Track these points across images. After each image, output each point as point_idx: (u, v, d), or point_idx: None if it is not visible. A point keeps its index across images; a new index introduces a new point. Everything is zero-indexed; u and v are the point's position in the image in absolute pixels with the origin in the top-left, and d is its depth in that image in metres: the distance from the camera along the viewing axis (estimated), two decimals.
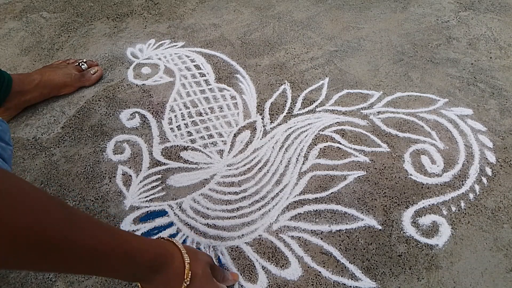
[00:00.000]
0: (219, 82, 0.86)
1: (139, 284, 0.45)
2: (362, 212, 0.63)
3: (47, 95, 0.83)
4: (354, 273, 0.56)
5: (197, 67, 0.90)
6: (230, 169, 0.70)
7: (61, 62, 0.88)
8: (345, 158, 0.70)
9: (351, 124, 0.76)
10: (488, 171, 0.67)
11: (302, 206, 0.64)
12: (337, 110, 0.79)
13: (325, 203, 0.64)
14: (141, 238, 0.42)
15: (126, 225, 0.63)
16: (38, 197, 0.31)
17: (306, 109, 0.79)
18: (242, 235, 0.61)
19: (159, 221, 0.63)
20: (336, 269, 0.57)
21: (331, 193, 0.65)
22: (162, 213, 0.64)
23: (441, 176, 0.67)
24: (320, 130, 0.75)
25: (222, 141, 0.75)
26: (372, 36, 0.97)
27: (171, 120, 0.79)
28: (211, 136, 0.76)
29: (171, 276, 0.43)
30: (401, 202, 0.64)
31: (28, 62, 0.94)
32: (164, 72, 0.89)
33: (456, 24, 0.99)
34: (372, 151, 0.71)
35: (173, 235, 0.62)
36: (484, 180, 0.66)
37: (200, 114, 0.80)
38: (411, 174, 0.68)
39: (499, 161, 0.69)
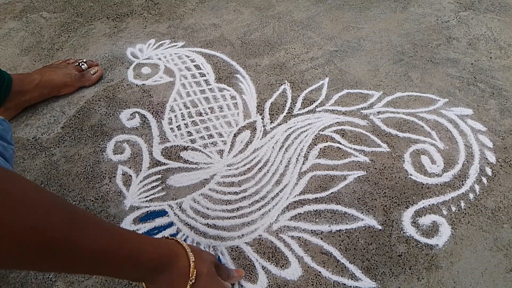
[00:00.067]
0: (219, 82, 0.86)
1: (143, 284, 0.45)
2: (362, 212, 0.63)
3: (47, 95, 0.83)
4: (354, 273, 0.56)
5: (197, 67, 0.90)
6: (230, 169, 0.70)
7: (61, 62, 0.88)
8: (345, 158, 0.70)
9: (351, 124, 0.76)
10: (488, 171, 0.67)
11: (302, 206, 0.64)
12: (337, 110, 0.79)
13: (325, 203, 0.64)
14: (145, 238, 0.42)
15: (126, 225, 0.63)
16: (40, 197, 0.31)
17: (306, 109, 0.79)
18: (242, 235, 0.61)
19: (159, 221, 0.63)
20: (336, 269, 0.57)
21: (331, 193, 0.65)
22: (162, 213, 0.64)
23: (441, 176, 0.67)
24: (320, 130, 0.75)
25: (222, 141, 0.75)
26: (372, 36, 0.97)
27: (171, 120, 0.79)
28: (211, 136, 0.76)
29: (176, 276, 0.43)
30: (401, 202, 0.64)
31: (28, 62, 0.94)
32: (164, 72, 0.89)
33: (456, 24, 0.99)
34: (372, 151, 0.71)
35: (173, 235, 0.62)
36: (484, 180, 0.66)
37: (200, 114, 0.80)
38: (411, 174, 0.68)
39: (499, 161, 0.69)
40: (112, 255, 0.36)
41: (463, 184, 0.66)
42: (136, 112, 0.81)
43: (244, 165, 0.71)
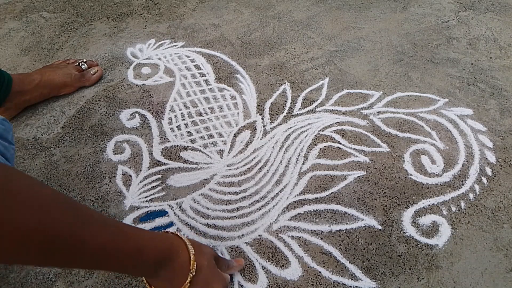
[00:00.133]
0: (219, 82, 0.86)
1: (144, 279, 0.45)
2: (362, 212, 0.63)
3: (47, 95, 0.83)
4: (354, 273, 0.56)
5: (197, 67, 0.90)
6: (230, 169, 0.70)
7: (61, 62, 0.88)
8: (345, 158, 0.70)
9: (351, 124, 0.76)
10: (488, 171, 0.67)
11: (302, 206, 0.64)
12: (337, 110, 0.79)
13: (325, 203, 0.64)
14: (147, 233, 0.42)
15: None
16: (43, 194, 0.31)
17: (306, 109, 0.79)
18: (242, 235, 0.61)
19: (159, 221, 0.63)
20: (336, 269, 0.57)
21: (331, 193, 0.65)
22: (162, 213, 0.64)
23: (441, 176, 0.67)
24: (320, 130, 0.75)
25: (222, 141, 0.75)
26: (372, 36, 0.97)
27: (171, 120, 0.79)
28: (211, 136, 0.76)
29: (177, 270, 0.43)
30: (401, 202, 0.64)
31: (28, 62, 0.94)
32: (164, 72, 0.89)
33: (456, 24, 0.99)
34: (372, 151, 0.71)
35: None
36: (484, 180, 0.66)
37: (200, 114, 0.80)
38: (411, 174, 0.68)
39: (499, 161, 0.69)
40: (115, 251, 0.36)
41: (463, 184, 0.66)
42: (136, 112, 0.81)
43: (244, 165, 0.71)
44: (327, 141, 0.73)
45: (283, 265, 0.57)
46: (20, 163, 0.72)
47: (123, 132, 0.77)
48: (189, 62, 0.91)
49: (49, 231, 0.30)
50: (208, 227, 0.62)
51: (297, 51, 0.93)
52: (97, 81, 0.88)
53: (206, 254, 0.47)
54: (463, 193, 0.65)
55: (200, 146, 0.74)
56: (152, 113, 0.80)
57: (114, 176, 0.70)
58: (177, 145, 0.74)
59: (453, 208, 0.63)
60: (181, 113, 0.80)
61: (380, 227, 0.61)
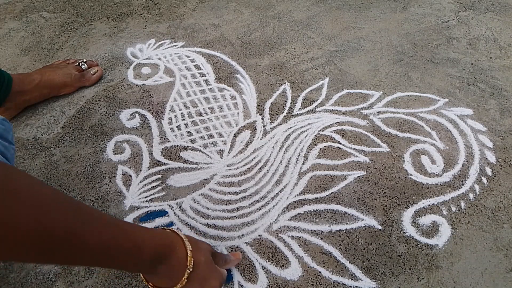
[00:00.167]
0: (219, 82, 0.86)
1: (141, 275, 0.45)
2: (362, 212, 0.63)
3: (47, 95, 0.83)
4: (354, 273, 0.56)
5: (197, 67, 0.90)
6: (230, 169, 0.70)
7: (61, 62, 0.88)
8: (345, 158, 0.70)
9: (351, 124, 0.76)
10: (488, 171, 0.67)
11: (302, 206, 0.64)
12: (337, 110, 0.79)
13: (325, 203, 0.64)
14: (146, 230, 0.42)
15: None
16: (45, 194, 0.31)
17: (306, 109, 0.79)
18: (242, 235, 0.61)
19: (159, 221, 0.63)
20: (336, 269, 0.57)
21: (331, 193, 0.65)
22: (162, 213, 0.64)
23: (441, 176, 0.67)
24: (320, 130, 0.75)
25: (222, 141, 0.75)
26: (372, 36, 0.97)
27: (171, 120, 0.79)
28: (211, 136, 0.76)
29: (174, 266, 0.43)
30: (401, 202, 0.64)
31: (28, 62, 0.94)
32: (164, 72, 0.89)
33: (456, 24, 0.99)
34: (372, 151, 0.71)
35: None
36: (484, 180, 0.66)
37: (200, 114, 0.80)
38: (411, 174, 0.68)
39: (499, 161, 0.69)
40: (114, 249, 0.36)
41: (463, 184, 0.66)
42: (136, 112, 0.81)
43: (244, 165, 0.71)
44: (327, 141, 0.73)
45: (283, 265, 0.57)
46: (20, 163, 0.72)
47: (123, 132, 0.77)
48: (189, 62, 0.91)
49: (49, 230, 0.30)
50: (208, 227, 0.62)
51: (297, 51, 0.93)
52: (97, 81, 0.88)
53: (203, 250, 0.48)
54: (463, 193, 0.65)
55: (200, 146, 0.74)
56: (152, 113, 0.80)
57: (114, 176, 0.70)
58: (177, 145, 0.74)
59: (453, 208, 0.63)
60: (181, 113, 0.80)
61: (380, 227, 0.61)
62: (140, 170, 0.70)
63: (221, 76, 0.88)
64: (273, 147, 0.73)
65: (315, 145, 0.73)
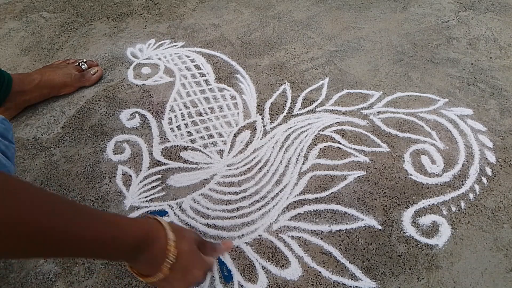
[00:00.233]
0: (219, 82, 0.86)
1: (126, 263, 0.45)
2: (362, 212, 0.63)
3: (47, 95, 0.83)
4: (354, 273, 0.56)
5: (197, 67, 0.90)
6: (230, 169, 0.70)
7: (61, 62, 0.88)
8: (345, 158, 0.70)
9: (351, 124, 0.76)
10: (488, 171, 0.67)
11: (302, 206, 0.64)
12: (337, 110, 0.79)
13: (325, 203, 0.64)
14: (127, 219, 0.42)
15: None
16: (43, 194, 0.32)
17: (306, 109, 0.79)
18: (242, 235, 0.61)
19: None
20: (336, 269, 0.57)
21: (331, 193, 0.65)
22: (162, 213, 0.64)
23: (441, 176, 0.67)
24: (320, 130, 0.75)
25: (222, 141, 0.75)
26: (372, 36, 0.97)
27: (171, 120, 0.79)
28: (211, 136, 0.76)
29: (156, 254, 0.43)
30: (401, 202, 0.64)
31: (28, 62, 0.94)
32: (164, 72, 0.89)
33: (456, 24, 0.99)
34: (372, 151, 0.71)
35: None
36: (484, 180, 0.66)
37: (200, 114, 0.80)
38: (411, 174, 0.68)
39: (499, 161, 0.69)
40: (97, 240, 0.36)
41: (463, 184, 0.66)
42: (136, 112, 0.81)
43: (244, 165, 0.71)
44: (327, 141, 0.73)
45: (283, 265, 0.57)
46: (20, 163, 0.72)
47: (123, 132, 0.77)
48: (189, 62, 0.91)
49: (49, 229, 0.31)
50: (208, 227, 0.62)
51: (297, 51, 0.93)
52: (97, 81, 0.88)
53: (188, 239, 0.47)
54: (463, 193, 0.65)
55: (200, 146, 0.74)
56: (152, 113, 0.80)
57: (114, 176, 0.70)
58: (177, 145, 0.74)
59: (453, 208, 0.63)
60: (181, 113, 0.80)
61: (380, 227, 0.61)
62: (140, 170, 0.70)
63: (221, 76, 0.88)
64: (273, 147, 0.73)
65: (315, 145, 0.73)
